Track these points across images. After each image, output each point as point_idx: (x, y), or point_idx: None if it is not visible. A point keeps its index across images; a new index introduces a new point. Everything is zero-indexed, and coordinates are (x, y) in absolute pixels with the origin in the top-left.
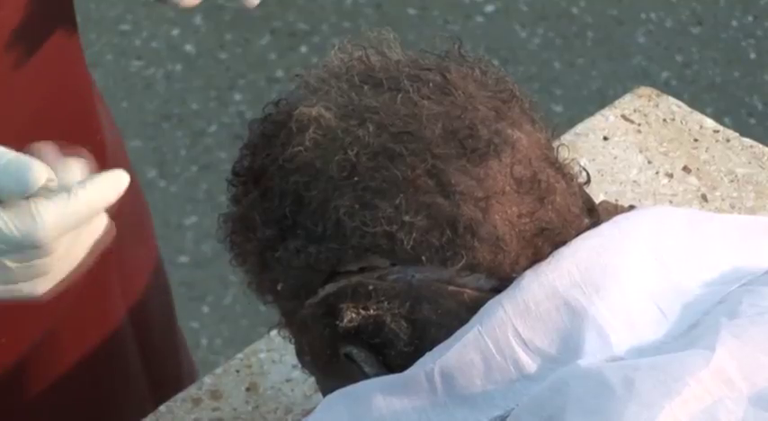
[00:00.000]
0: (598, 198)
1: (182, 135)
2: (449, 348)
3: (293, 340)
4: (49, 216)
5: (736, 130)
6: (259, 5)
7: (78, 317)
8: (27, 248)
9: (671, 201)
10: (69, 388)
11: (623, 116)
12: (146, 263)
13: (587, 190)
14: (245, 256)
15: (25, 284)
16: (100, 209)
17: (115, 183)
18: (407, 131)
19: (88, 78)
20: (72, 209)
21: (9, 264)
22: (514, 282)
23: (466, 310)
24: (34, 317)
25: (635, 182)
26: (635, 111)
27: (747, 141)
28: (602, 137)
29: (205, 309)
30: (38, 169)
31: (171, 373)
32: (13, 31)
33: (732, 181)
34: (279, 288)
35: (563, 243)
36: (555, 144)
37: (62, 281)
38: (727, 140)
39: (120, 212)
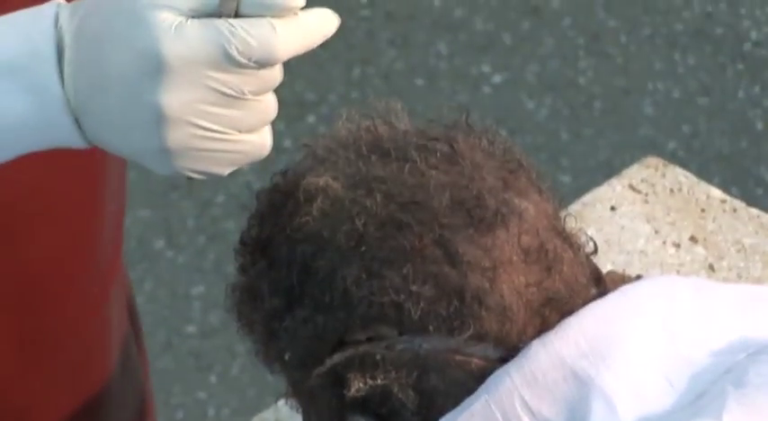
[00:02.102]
0: (605, 268)
1: (189, 205)
2: (456, 418)
3: (301, 410)
4: (284, 29)
5: (743, 201)
6: None
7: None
8: (262, 61)
9: (678, 271)
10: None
11: (630, 186)
12: None
13: (594, 260)
14: (252, 326)
15: (252, 136)
16: (320, 39)
17: (332, 17)
18: (415, 201)
19: None
20: (303, 29)
21: (245, 87)
22: (522, 352)
23: (473, 380)
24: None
25: (642, 251)
26: (642, 181)
27: (754, 211)
28: (609, 207)
29: (213, 378)
30: None
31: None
32: None
33: (739, 251)
34: (286, 357)
35: (570, 312)
36: (562, 214)
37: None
38: (735, 210)
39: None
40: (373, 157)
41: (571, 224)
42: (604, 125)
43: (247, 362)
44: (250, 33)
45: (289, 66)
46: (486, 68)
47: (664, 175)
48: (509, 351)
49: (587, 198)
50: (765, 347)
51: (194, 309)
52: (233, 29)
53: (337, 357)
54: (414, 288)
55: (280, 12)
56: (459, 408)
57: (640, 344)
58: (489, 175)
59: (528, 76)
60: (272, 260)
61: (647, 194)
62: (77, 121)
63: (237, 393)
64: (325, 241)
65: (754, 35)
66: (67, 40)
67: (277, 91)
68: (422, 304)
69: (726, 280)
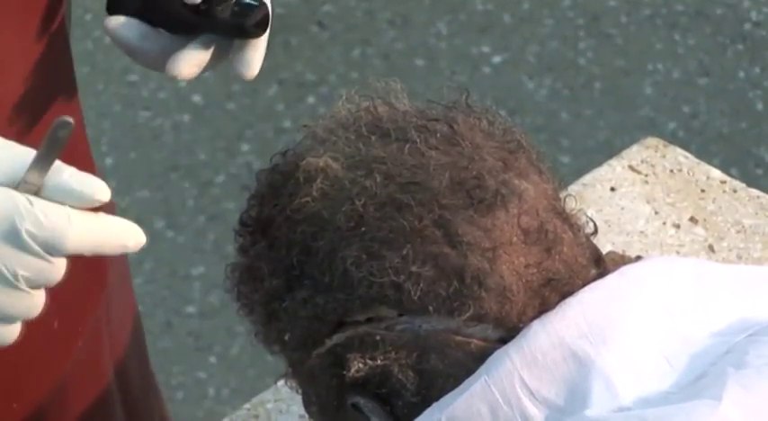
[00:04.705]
0: (605, 248)
1: (189, 185)
2: (456, 398)
3: (300, 390)
4: (81, 224)
5: (743, 181)
6: (266, 56)
7: (79, 377)
8: (48, 247)
9: (678, 252)
10: None
11: (630, 167)
12: (126, 317)
13: (594, 240)
14: (252, 306)
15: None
16: (115, 248)
17: (136, 234)
18: (415, 182)
19: (87, 143)
20: (100, 231)
21: (21, 270)
22: (521, 333)
23: (473, 361)
24: (42, 380)
25: (642, 232)
26: (642, 161)
27: (754, 192)
28: (609, 187)
29: (212, 359)
30: (103, 187)
31: None
32: (15, 105)
33: (739, 231)
34: (286, 338)
35: (570, 293)
36: (562, 194)
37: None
38: (734, 191)
39: (111, 261)
40: (373, 138)
41: (571, 205)
42: (604, 106)
43: (247, 343)
44: (46, 216)
45: (289, 46)
46: (486, 49)
47: (664, 156)
48: (509, 332)
49: (587, 179)
50: (765, 328)
51: (194, 290)
52: (30, 207)
53: (337, 338)
54: (413, 268)
55: (82, 202)
56: (458, 389)
57: (640, 324)
58: (489, 156)
59: (528, 56)
60: (271, 241)
61: (646, 175)
62: None
63: (237, 374)
64: (325, 222)
65: (754, 15)
66: None
67: (278, 72)
68: (421, 285)
69: (726, 261)
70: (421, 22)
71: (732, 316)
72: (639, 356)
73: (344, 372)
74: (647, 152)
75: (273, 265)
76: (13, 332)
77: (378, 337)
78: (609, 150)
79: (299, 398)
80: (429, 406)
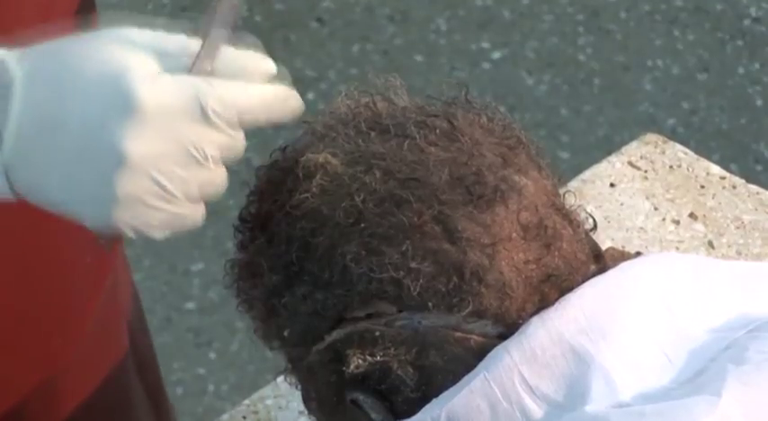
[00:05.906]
0: (605, 244)
1: None
2: (455, 394)
3: (300, 386)
4: (256, 94)
5: (742, 177)
6: (266, 53)
7: (103, 327)
8: (233, 121)
9: (677, 248)
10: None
11: (630, 163)
12: (127, 284)
13: (594, 236)
14: (251, 302)
15: (194, 206)
16: (286, 114)
17: (296, 97)
18: (414, 178)
19: None
20: (272, 99)
21: (209, 149)
22: (521, 329)
23: (472, 357)
24: (77, 318)
25: (641, 228)
26: (641, 157)
27: (754, 188)
28: (608, 183)
29: (212, 355)
30: (269, 61)
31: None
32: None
33: (738, 227)
34: (285, 334)
35: (570, 289)
36: (561, 190)
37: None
38: (734, 187)
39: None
40: (372, 134)
41: (570, 201)
42: (604, 102)
43: (247, 339)
44: (227, 93)
45: (289, 42)
46: (485, 44)
47: (663, 152)
48: (508, 328)
49: (587, 174)
50: (765, 324)
51: (194, 286)
52: (210, 87)
53: (336, 334)
54: (413, 264)
55: (253, 77)
56: (458, 385)
57: (639, 320)
58: (488, 152)
59: (527, 52)
60: (271, 237)
61: (646, 171)
62: (6, 172)
63: (237, 369)
64: (325, 218)
65: (753, 11)
66: (19, 79)
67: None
68: (421, 281)
69: (725, 257)
70: (420, 17)
71: (732, 312)
72: (639, 352)
73: (344, 368)
74: (647, 148)
75: (273, 261)
76: (201, 211)
77: (377, 333)
78: (608, 146)
79: (298, 394)
80: (428, 402)
